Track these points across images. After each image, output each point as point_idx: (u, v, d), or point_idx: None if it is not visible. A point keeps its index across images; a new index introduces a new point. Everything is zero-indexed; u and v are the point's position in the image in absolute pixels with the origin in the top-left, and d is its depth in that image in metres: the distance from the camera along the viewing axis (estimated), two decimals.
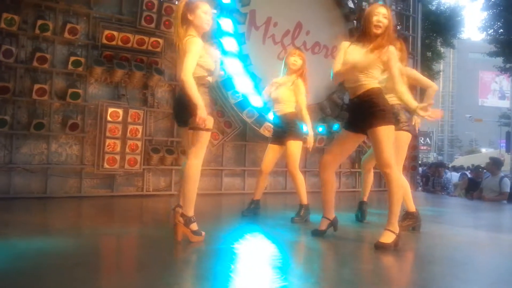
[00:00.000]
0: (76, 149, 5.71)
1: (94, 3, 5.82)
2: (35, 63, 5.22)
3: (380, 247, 3.06)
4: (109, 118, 5.56)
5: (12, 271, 2.33)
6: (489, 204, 7.00)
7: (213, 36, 6.18)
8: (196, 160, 3.10)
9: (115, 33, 5.69)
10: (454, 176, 10.80)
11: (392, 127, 3.15)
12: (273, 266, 2.73)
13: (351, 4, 8.24)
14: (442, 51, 17.79)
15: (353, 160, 7.87)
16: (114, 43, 5.69)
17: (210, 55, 3.19)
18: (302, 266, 2.87)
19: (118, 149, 5.60)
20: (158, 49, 5.99)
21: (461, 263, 3.01)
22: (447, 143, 63.24)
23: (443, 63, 31.75)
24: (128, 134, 5.66)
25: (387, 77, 3.36)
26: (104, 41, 5.65)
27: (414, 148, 8.22)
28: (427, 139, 48.60)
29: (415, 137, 8.52)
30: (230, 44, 6.49)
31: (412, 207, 3.91)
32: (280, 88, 4.32)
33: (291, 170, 4.26)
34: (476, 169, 9.62)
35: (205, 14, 3.17)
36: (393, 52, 3.17)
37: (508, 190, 7.21)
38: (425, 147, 46.63)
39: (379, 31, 3.15)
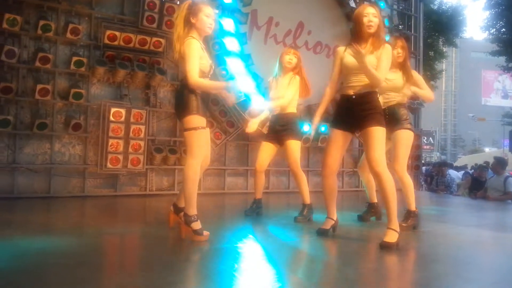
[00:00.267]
0: (79, 149, 5.73)
1: (96, 4, 5.83)
2: (37, 63, 5.24)
3: (385, 247, 3.05)
4: (111, 118, 5.57)
5: (15, 270, 2.34)
6: (493, 203, 6.98)
7: (215, 36, 6.20)
8: (193, 160, 3.10)
9: (117, 33, 5.70)
10: (455, 175, 10.75)
11: (384, 129, 3.20)
12: (276, 265, 2.73)
13: (352, 4, 8.21)
14: (444, 50, 17.77)
15: (356, 159, 7.86)
16: (116, 43, 5.71)
17: (206, 57, 3.22)
18: (306, 265, 2.86)
19: (121, 149, 5.61)
20: (160, 49, 6.00)
21: (464, 262, 3.00)
22: (450, 143, 63.13)
23: (446, 63, 31.71)
24: (131, 134, 5.67)
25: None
26: (106, 41, 5.66)
27: (417, 147, 8.20)
28: (430, 138, 48.57)
29: (417, 135, 8.60)
30: (232, 44, 6.49)
31: (413, 206, 3.90)
32: (279, 87, 4.29)
33: (294, 169, 4.24)
34: (480, 168, 9.57)
35: (207, 18, 3.19)
36: (388, 49, 3.24)
37: None
38: (428, 147, 46.57)
39: (372, 30, 3.22)
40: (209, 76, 3.29)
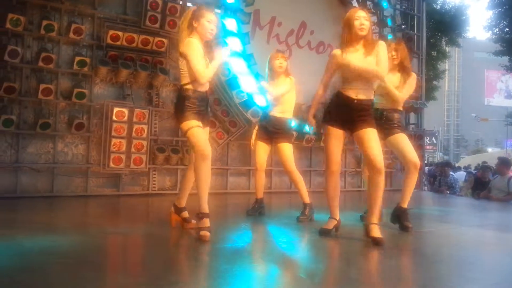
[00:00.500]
0: (82, 148, 5.74)
1: (98, 4, 5.85)
2: (40, 63, 5.25)
3: (377, 242, 3.14)
4: (114, 118, 5.58)
5: (18, 269, 2.35)
6: (497, 203, 6.95)
7: (218, 37, 6.20)
8: (202, 161, 3.16)
9: (119, 33, 5.71)
10: (457, 175, 10.70)
11: (376, 131, 3.31)
12: (279, 265, 2.73)
13: (355, 3, 8.21)
14: (447, 50, 17.69)
15: (358, 159, 7.84)
16: (119, 43, 5.72)
17: (205, 59, 3.26)
18: (308, 265, 2.86)
19: (123, 148, 5.62)
20: (163, 49, 6.01)
21: (467, 263, 2.99)
22: (453, 143, 62.94)
23: (448, 62, 31.56)
24: (134, 134, 5.68)
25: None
26: (109, 41, 5.68)
27: (419, 147, 8.18)
28: (433, 138, 48.37)
29: (420, 136, 8.58)
30: (234, 43, 6.49)
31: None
32: (279, 91, 4.32)
33: (289, 170, 4.31)
34: (482, 168, 9.53)
35: (209, 23, 3.27)
36: (383, 44, 3.33)
37: None
38: (430, 147, 46.41)
39: (364, 33, 3.30)
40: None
